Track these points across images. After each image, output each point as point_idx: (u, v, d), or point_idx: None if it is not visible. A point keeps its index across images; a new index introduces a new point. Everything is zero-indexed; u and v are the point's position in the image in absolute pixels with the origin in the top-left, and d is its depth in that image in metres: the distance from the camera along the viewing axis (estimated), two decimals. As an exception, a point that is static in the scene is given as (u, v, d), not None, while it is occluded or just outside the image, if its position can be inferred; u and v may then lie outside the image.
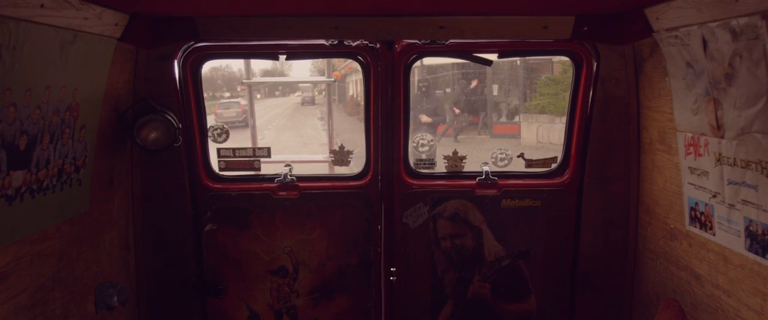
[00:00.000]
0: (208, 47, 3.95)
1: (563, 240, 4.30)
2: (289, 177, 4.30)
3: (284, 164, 4.49)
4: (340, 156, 4.50)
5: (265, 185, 4.29)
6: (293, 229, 4.34)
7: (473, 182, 4.34)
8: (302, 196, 4.28)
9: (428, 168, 4.45)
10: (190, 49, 3.91)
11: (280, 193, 4.27)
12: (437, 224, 4.39)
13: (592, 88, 4.01)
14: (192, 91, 4.03)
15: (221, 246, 4.27)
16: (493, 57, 4.23)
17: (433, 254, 4.41)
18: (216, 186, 4.23)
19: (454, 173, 4.44)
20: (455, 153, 4.48)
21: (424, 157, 4.88)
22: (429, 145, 4.78)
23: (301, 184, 4.30)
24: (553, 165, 4.38)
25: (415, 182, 4.34)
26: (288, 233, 4.33)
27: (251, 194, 4.26)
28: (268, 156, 4.38)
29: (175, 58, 3.86)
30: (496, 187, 4.32)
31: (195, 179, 4.11)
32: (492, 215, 4.35)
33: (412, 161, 4.41)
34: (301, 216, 4.32)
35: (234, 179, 4.34)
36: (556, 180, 4.30)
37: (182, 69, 3.93)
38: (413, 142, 4.67)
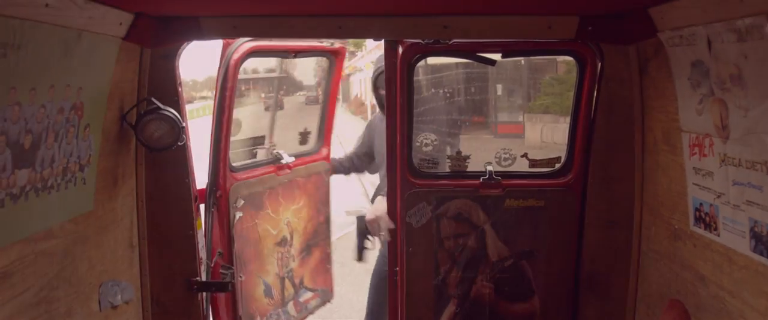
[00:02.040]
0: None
1: (567, 240, 4.29)
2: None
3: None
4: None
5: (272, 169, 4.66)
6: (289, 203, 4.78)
7: (477, 182, 4.33)
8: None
9: (431, 167, 4.45)
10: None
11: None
12: (440, 224, 4.39)
13: (596, 89, 4.00)
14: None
15: (245, 232, 4.47)
16: (496, 57, 4.23)
17: (437, 254, 4.40)
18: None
19: (458, 173, 4.44)
20: (459, 152, 4.48)
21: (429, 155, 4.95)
22: (433, 145, 4.81)
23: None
24: (557, 166, 4.37)
25: (418, 181, 4.34)
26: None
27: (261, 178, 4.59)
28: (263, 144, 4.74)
29: (180, 57, 3.86)
30: (499, 187, 4.31)
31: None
32: (496, 215, 4.34)
33: (415, 161, 4.41)
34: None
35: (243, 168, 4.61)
36: (560, 181, 4.29)
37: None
38: (417, 141, 4.68)
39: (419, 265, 4.38)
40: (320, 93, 5.36)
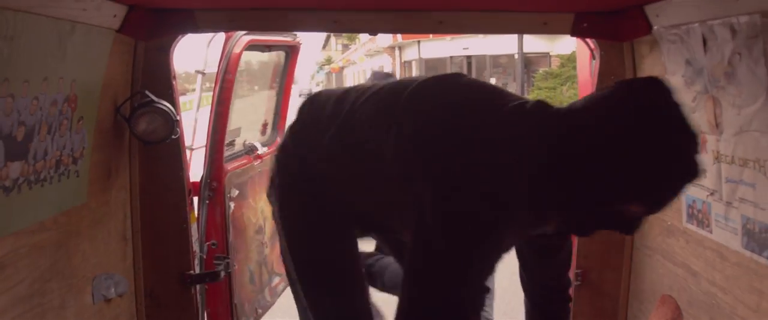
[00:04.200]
0: (206, 39, 3.98)
1: None
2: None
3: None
4: None
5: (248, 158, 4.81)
6: (262, 192, 4.77)
7: None
8: None
9: None
10: (188, 41, 3.91)
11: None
12: None
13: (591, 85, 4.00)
14: (190, 83, 4.07)
15: (236, 221, 4.52)
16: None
17: None
18: None
19: None
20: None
21: None
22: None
23: None
24: None
25: None
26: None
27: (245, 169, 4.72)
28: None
29: (174, 50, 3.85)
30: None
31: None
32: None
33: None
34: None
35: (229, 159, 4.65)
36: None
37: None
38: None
39: None
40: (275, 86, 5.49)
